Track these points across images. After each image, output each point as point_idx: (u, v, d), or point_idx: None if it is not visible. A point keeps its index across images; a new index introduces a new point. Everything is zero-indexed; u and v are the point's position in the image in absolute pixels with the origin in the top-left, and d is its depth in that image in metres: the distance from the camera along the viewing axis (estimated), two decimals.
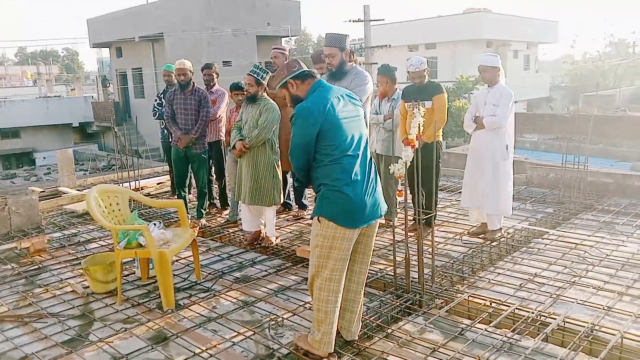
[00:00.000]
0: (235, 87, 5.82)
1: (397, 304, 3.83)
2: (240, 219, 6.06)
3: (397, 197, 4.28)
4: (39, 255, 5.27)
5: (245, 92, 5.12)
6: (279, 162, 5.25)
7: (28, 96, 33.00)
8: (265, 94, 5.20)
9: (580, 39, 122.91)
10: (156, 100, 7.28)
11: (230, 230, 5.89)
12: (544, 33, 35.92)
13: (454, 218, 6.11)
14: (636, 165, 12.50)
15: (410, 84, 5.28)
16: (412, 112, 3.77)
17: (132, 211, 4.35)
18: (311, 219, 3.08)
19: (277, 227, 5.59)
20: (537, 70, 38.94)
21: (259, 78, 4.99)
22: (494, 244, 5.10)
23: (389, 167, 3.84)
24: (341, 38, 3.91)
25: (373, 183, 3.02)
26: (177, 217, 6.40)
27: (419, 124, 3.71)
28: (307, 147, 2.90)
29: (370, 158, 3.08)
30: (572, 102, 36.49)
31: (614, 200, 6.69)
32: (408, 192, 4.20)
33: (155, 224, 4.15)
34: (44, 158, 27.41)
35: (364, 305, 3.40)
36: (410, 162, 3.81)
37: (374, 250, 3.49)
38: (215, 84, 6.63)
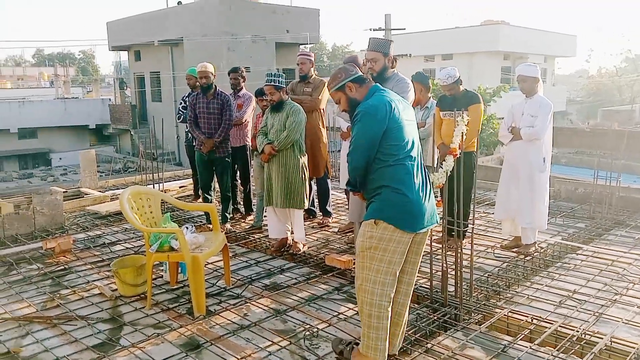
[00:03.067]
0: (261, 93, 5.76)
1: (435, 317, 3.72)
2: (265, 225, 5.98)
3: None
4: (64, 256, 5.22)
5: (270, 102, 5.06)
6: (307, 164, 5.20)
7: (45, 97, 33.28)
8: (289, 98, 5.16)
9: (596, 54, 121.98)
10: (181, 103, 7.24)
11: (256, 236, 5.81)
12: (562, 47, 35.69)
13: (483, 230, 5.98)
14: None
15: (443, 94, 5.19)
16: (455, 120, 3.67)
17: (163, 214, 4.27)
18: (364, 220, 2.96)
19: None
20: (553, 83, 38.68)
21: (278, 84, 4.95)
22: (527, 258, 4.98)
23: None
24: (385, 43, 3.82)
25: (429, 188, 2.94)
26: (200, 221, 6.36)
27: (462, 133, 3.61)
28: (372, 145, 2.82)
29: (424, 164, 3.00)
30: (588, 117, 36.23)
31: None
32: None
33: (187, 228, 4.08)
34: (60, 159, 27.61)
35: None
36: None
37: None
38: (242, 88, 6.58)
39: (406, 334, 3.42)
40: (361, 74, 3.01)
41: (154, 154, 7.79)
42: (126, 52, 28.73)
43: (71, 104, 29.36)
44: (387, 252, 2.89)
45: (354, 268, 4.56)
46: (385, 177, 2.86)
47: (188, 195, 7.74)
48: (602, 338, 3.39)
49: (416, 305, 3.97)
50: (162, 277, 4.59)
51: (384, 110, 2.81)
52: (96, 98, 33.05)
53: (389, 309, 2.97)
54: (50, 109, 28.08)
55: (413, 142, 2.91)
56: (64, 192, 7.69)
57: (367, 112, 2.83)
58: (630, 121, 21.31)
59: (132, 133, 26.64)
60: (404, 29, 19.17)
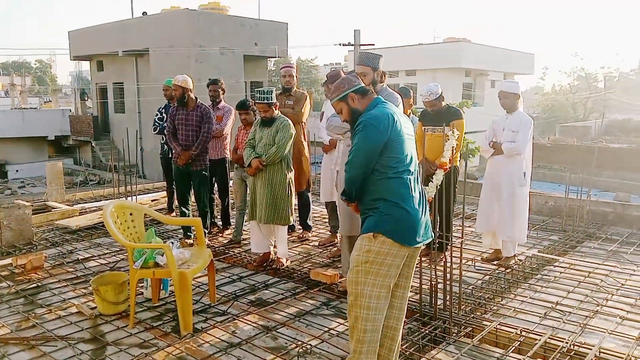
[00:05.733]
0: (242, 106, 5.68)
1: (426, 331, 3.71)
2: (244, 239, 5.89)
3: None
4: (36, 273, 4.99)
5: (263, 118, 4.99)
6: (293, 179, 5.14)
7: (1, 107, 32.08)
8: (279, 112, 5.11)
9: (550, 71, 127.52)
10: (157, 114, 7.09)
11: (235, 251, 5.70)
12: (521, 64, 36.90)
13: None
14: (619, 195, 12.74)
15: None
16: (446, 135, 3.71)
17: (147, 229, 4.14)
18: (362, 234, 2.94)
19: None
20: None
21: (270, 101, 4.88)
22: (507, 270, 5.05)
23: None
24: (375, 57, 3.83)
25: (425, 203, 2.95)
26: (177, 236, 6.20)
27: (452, 148, 3.65)
28: (372, 156, 2.81)
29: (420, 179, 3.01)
30: (544, 132, 37.46)
31: (614, 230, 6.76)
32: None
33: (172, 243, 3.96)
34: (17, 171, 26.53)
35: None
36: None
37: None
38: (221, 100, 6.49)
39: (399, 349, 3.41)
40: (364, 85, 3.01)
41: (116, 167, 7.58)
42: (88, 62, 28.04)
43: (29, 115, 28.31)
44: (383, 266, 2.87)
45: (340, 282, 4.55)
46: (383, 190, 2.86)
47: (161, 209, 7.54)
48: (590, 349, 3.45)
49: (405, 319, 3.96)
50: (142, 294, 4.44)
51: (387, 122, 2.81)
52: (55, 109, 32.03)
53: (382, 323, 2.95)
54: (7, 119, 26.95)
55: (412, 157, 2.93)
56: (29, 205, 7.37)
57: (370, 123, 2.83)
58: (587, 137, 22.16)
59: (93, 145, 25.90)
60: (373, 44, 19.34)
